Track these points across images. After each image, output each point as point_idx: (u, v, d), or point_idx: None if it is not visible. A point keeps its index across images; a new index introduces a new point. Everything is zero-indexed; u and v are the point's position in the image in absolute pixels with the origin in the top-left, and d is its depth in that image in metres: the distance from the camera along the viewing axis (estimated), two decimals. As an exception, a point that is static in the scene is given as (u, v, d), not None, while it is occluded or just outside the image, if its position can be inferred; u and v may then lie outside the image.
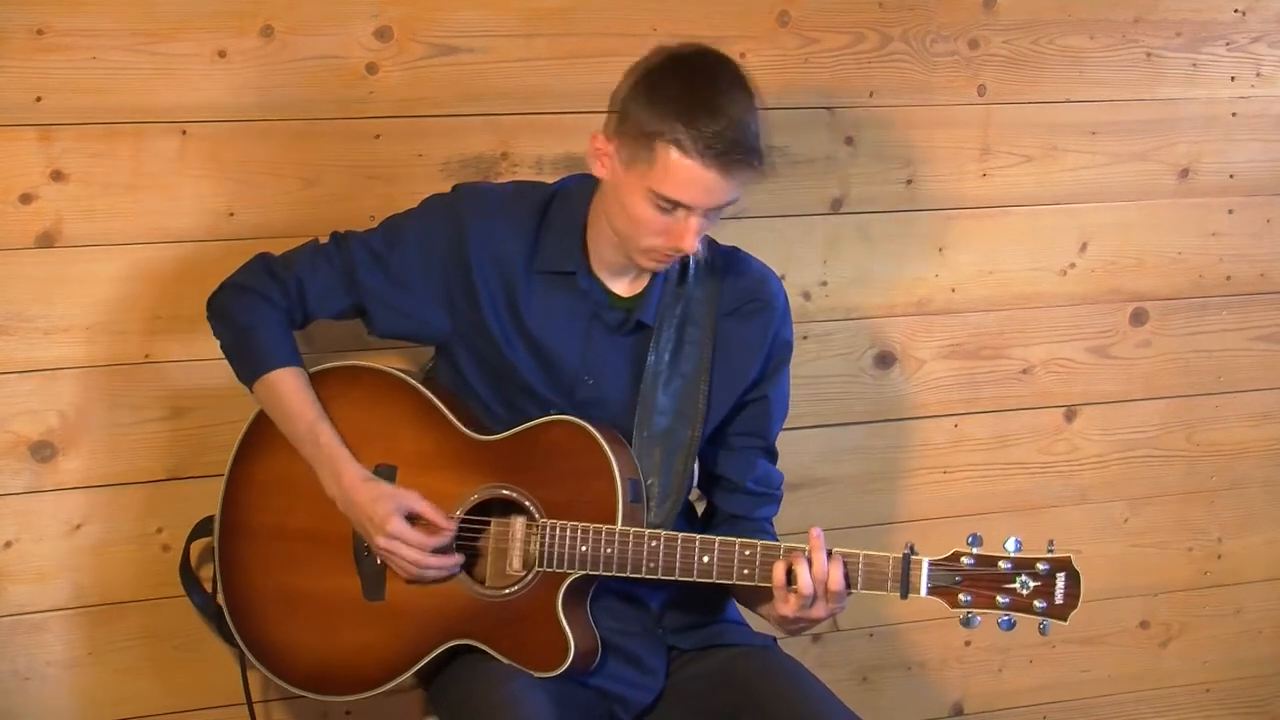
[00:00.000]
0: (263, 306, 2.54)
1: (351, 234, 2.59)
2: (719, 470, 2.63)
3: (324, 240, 2.59)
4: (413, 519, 2.48)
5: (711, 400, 2.55)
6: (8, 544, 2.75)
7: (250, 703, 2.75)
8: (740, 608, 2.65)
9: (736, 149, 2.33)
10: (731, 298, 2.57)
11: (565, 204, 2.54)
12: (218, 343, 2.59)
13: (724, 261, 2.59)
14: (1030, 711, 3.43)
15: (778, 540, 2.58)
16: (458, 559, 2.50)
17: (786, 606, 2.37)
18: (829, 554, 2.34)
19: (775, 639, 2.63)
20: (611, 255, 2.50)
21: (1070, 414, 3.32)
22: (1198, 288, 3.36)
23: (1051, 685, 3.43)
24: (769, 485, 2.64)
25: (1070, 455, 3.34)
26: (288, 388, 2.53)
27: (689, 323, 2.54)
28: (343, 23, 2.78)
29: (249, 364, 2.56)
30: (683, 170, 2.33)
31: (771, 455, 2.65)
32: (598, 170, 2.44)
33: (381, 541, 2.47)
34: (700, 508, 2.71)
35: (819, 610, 2.37)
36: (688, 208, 2.37)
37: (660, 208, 2.37)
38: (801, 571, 2.34)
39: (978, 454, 3.28)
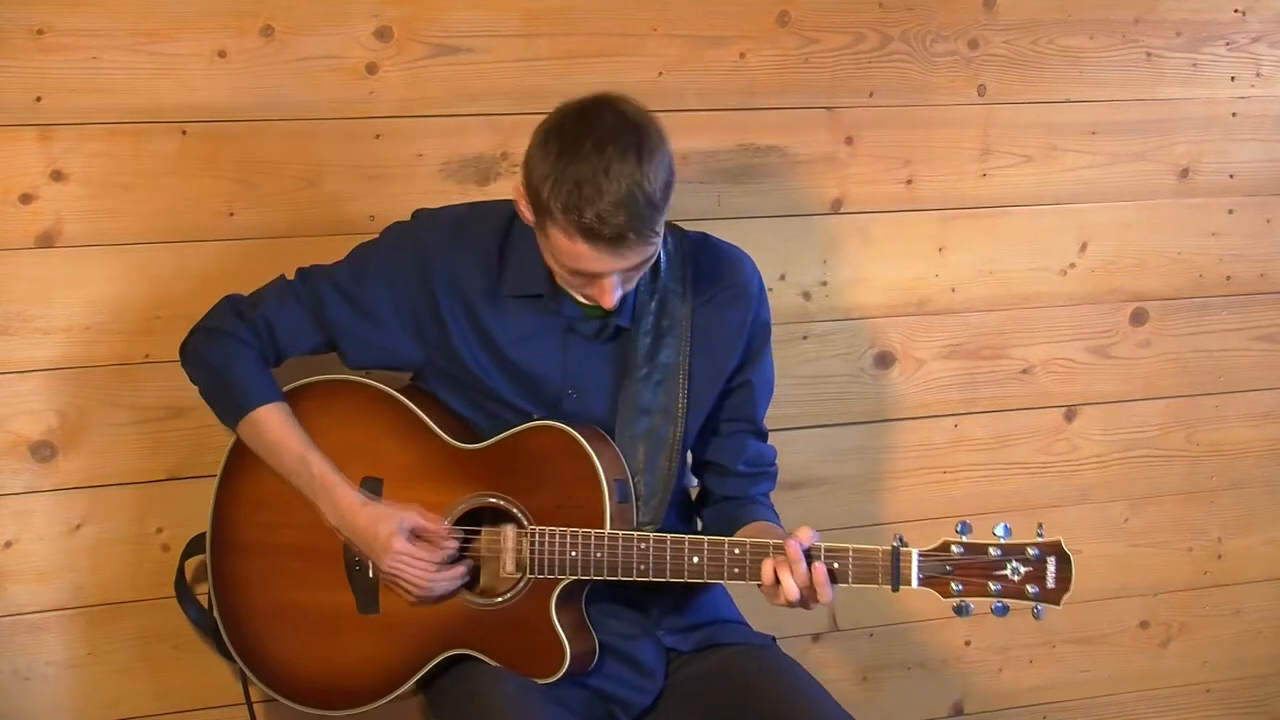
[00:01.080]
0: (235, 347, 2.53)
1: (317, 269, 2.57)
2: (709, 456, 2.63)
3: (291, 277, 2.58)
4: (413, 536, 2.47)
5: (692, 394, 2.53)
6: (8, 544, 2.75)
7: (250, 704, 2.75)
8: (739, 602, 2.65)
9: (622, 228, 2.27)
10: (705, 286, 2.54)
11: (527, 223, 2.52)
12: (197, 389, 2.58)
13: (694, 249, 2.56)
14: (1030, 711, 3.43)
15: (775, 513, 2.60)
16: (462, 570, 2.49)
17: (777, 600, 2.36)
18: (809, 559, 2.32)
19: (774, 638, 2.63)
20: None
21: (1070, 414, 3.32)
22: (1198, 288, 3.36)
23: (1051, 685, 3.43)
24: (761, 464, 2.63)
25: (1070, 455, 3.34)
26: (272, 423, 2.52)
27: (665, 315, 2.52)
28: (343, 23, 2.78)
29: (229, 405, 2.55)
30: (572, 251, 2.30)
31: (761, 435, 2.64)
32: (525, 219, 2.39)
33: (387, 562, 2.46)
34: (694, 493, 2.70)
35: (811, 604, 2.36)
36: (593, 275, 2.34)
37: (571, 271, 2.35)
38: (785, 578, 2.33)
39: (978, 454, 3.28)
